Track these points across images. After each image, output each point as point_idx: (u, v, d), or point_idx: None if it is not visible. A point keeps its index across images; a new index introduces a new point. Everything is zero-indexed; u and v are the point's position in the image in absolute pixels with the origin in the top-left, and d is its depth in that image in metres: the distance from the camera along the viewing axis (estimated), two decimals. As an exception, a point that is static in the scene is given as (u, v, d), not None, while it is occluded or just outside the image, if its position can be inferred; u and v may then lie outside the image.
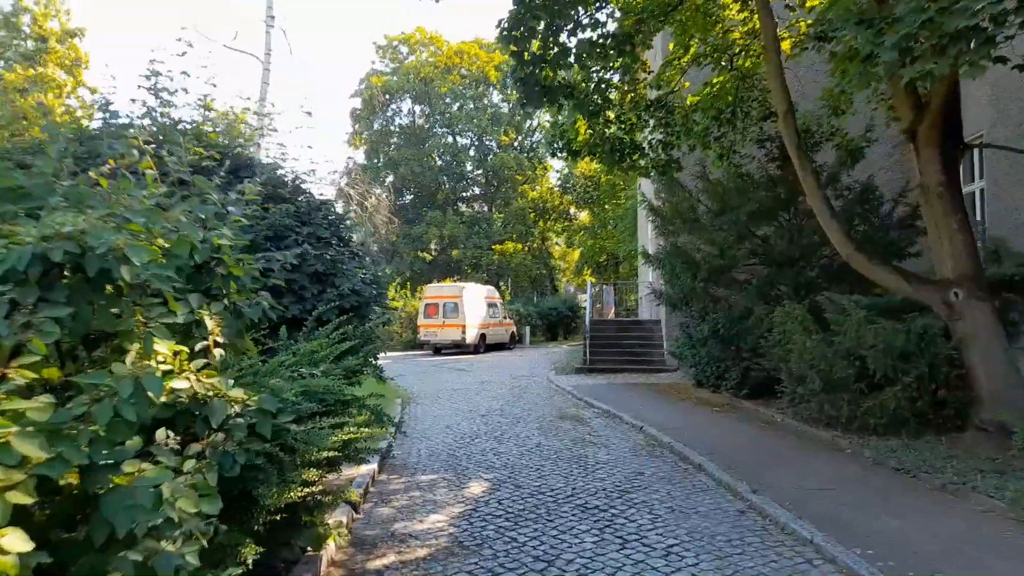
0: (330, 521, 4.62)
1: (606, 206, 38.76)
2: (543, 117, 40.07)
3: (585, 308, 31.07)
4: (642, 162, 10.28)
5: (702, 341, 11.41)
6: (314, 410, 3.18)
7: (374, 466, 6.45)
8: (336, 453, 3.12)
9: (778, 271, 10.29)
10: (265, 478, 2.60)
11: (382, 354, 22.91)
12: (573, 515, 5.10)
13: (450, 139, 38.51)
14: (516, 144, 38.77)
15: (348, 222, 5.90)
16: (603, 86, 9.82)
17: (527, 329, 29.13)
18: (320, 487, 3.98)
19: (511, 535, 4.70)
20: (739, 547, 4.35)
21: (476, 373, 16.48)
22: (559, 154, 10.30)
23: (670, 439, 7.55)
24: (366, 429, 4.48)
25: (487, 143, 38.37)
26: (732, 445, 7.26)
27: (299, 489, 2.87)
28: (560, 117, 10.07)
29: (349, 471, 6.19)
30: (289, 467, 2.81)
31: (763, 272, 10.84)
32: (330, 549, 4.24)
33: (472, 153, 38.59)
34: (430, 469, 6.73)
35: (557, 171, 42.02)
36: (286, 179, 5.62)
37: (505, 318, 26.53)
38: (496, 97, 39.11)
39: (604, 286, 28.28)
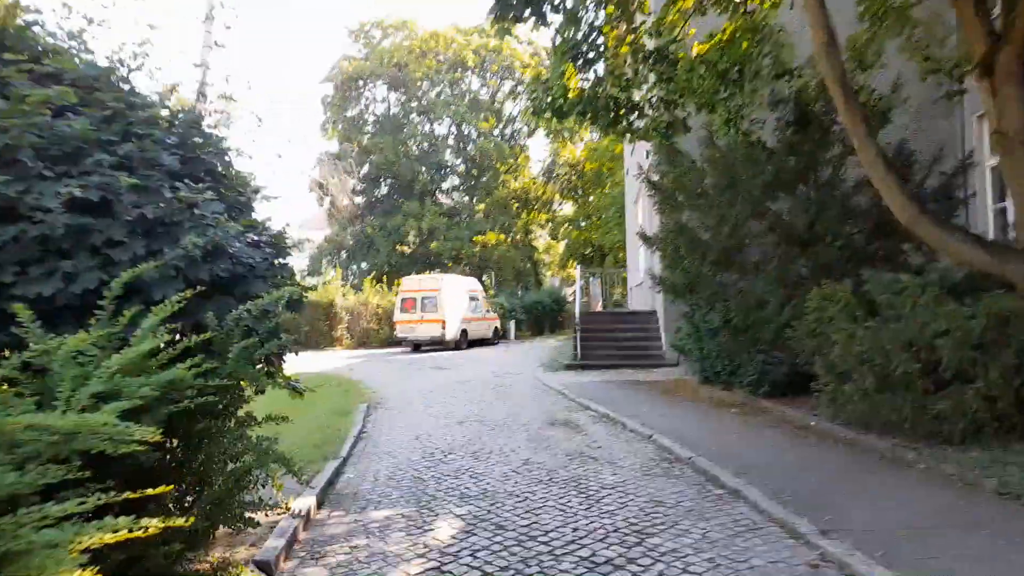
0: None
1: (590, 198, 37.38)
2: (523, 105, 38.53)
3: (573, 301, 29.67)
4: (640, 123, 8.78)
5: (711, 332, 9.98)
6: (49, 482, 1.59)
7: (309, 501, 4.90)
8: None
9: (802, 251, 8.85)
10: None
11: (340, 351, 21.04)
12: (578, 576, 3.60)
13: (427, 127, 36.80)
14: (496, 132, 37.17)
15: (227, 147, 4.21)
16: (593, 34, 8.36)
17: (512, 324, 27.61)
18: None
19: (489, 616, 3.19)
20: (833, 635, 2.88)
21: (456, 371, 14.95)
22: (544, 115, 8.77)
23: (689, 452, 6.08)
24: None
25: (466, 132, 36.72)
26: (768, 459, 5.81)
27: None
28: (544, 50, 8.44)
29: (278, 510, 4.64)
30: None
31: (780, 253, 9.42)
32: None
33: (451, 142, 36.91)
34: (387, 501, 5.19)
35: (539, 160, 40.57)
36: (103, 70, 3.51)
37: (488, 312, 24.99)
38: (475, 83, 37.48)
39: (591, 278, 26.86)
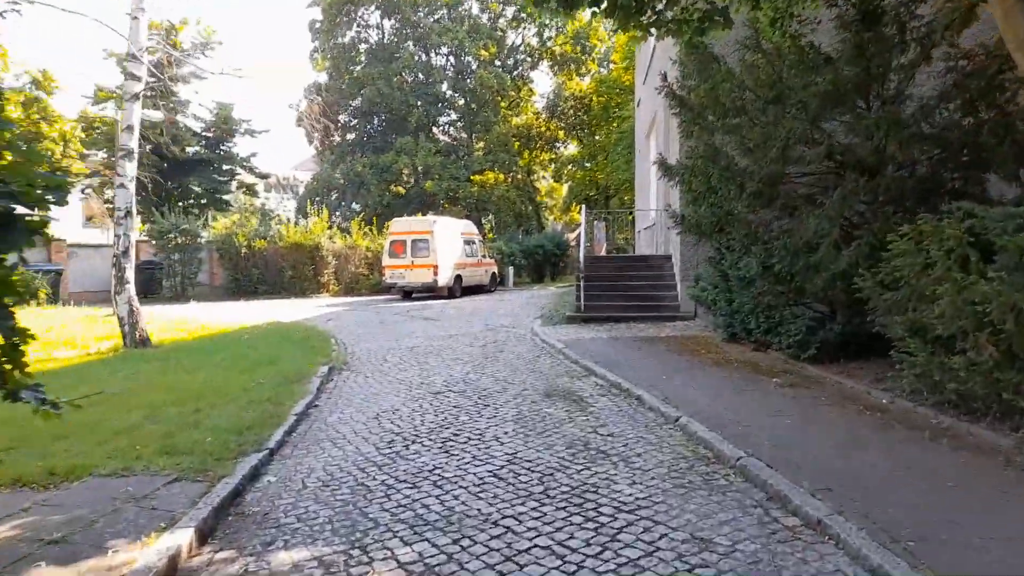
0: None
1: (596, 136, 35.10)
2: (529, 30, 35.80)
3: (576, 245, 27.80)
4: (670, 14, 6.82)
5: (743, 281, 8.26)
6: None
7: (181, 538, 3.27)
8: None
9: (868, 180, 7.01)
10: None
11: (325, 298, 19.30)
12: None
13: (423, 56, 34.13)
14: (498, 63, 34.50)
15: None
16: None
17: (510, 269, 25.94)
18: None
19: None
20: None
21: (445, 323, 13.35)
22: (547, 4, 6.79)
23: (734, 448, 4.45)
24: None
25: (465, 61, 34.07)
26: (851, 463, 4.16)
27: None
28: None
29: (125, 554, 3.05)
30: None
31: (841, 182, 7.60)
32: None
33: (449, 72, 34.29)
34: (306, 531, 3.58)
35: (543, 95, 38.02)
36: None
37: (485, 257, 23.26)
38: (475, 8, 34.58)
39: (595, 221, 24.94)
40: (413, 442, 5.11)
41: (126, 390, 6.84)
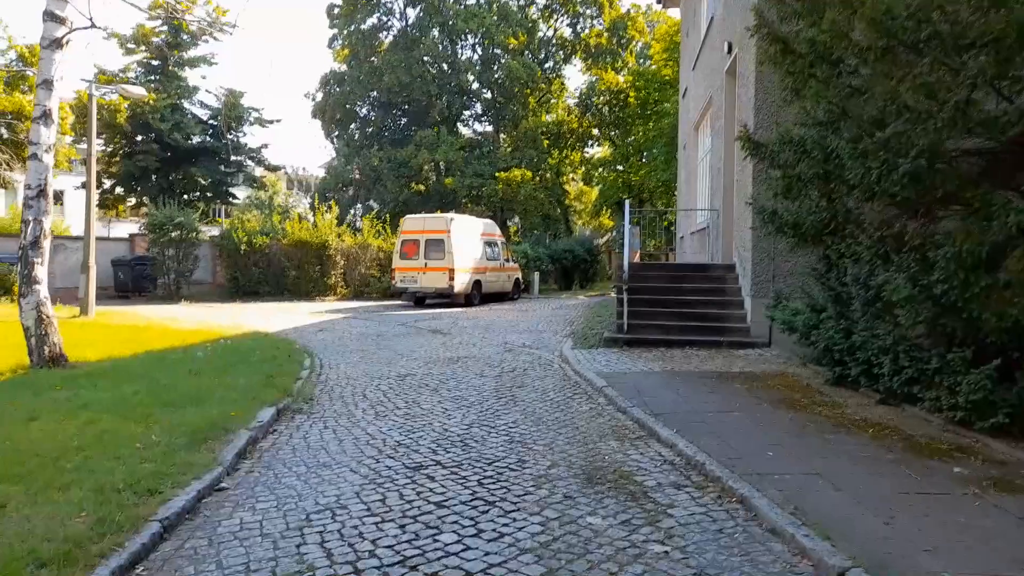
0: None
1: (631, 136, 32.50)
2: (561, 21, 33.42)
3: (607, 251, 25.40)
4: None
5: (873, 304, 5.72)
6: None
7: None
8: None
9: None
10: None
11: (329, 302, 16.50)
12: None
13: (447, 45, 31.90)
14: (528, 54, 32.13)
15: None
16: None
17: (535, 276, 23.48)
18: None
19: None
20: None
21: (455, 339, 11.00)
22: None
23: None
24: None
25: (493, 52, 31.77)
26: None
27: None
28: None
29: None
30: None
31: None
32: None
33: (475, 63, 31.98)
34: None
35: (576, 89, 35.57)
36: None
37: (508, 261, 20.86)
38: (505, -6, 32.25)
39: (631, 227, 22.38)
40: (343, 605, 2.70)
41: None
